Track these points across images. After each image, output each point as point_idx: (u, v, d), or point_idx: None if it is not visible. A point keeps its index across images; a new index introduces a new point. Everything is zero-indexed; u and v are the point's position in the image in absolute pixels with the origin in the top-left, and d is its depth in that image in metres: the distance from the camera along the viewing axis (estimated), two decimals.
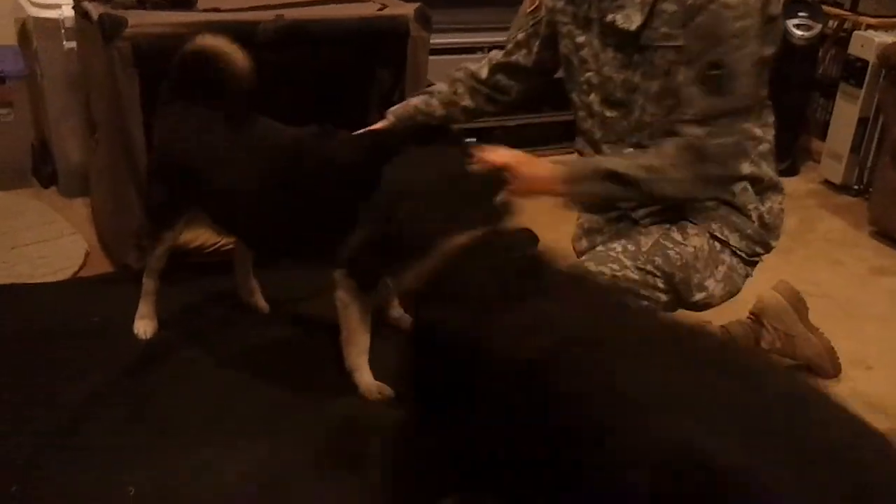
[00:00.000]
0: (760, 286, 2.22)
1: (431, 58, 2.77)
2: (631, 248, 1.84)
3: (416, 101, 2.18)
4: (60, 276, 2.53)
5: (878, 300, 2.82)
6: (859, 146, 3.52)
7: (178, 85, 2.12)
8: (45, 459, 1.79)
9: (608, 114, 1.91)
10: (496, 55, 2.13)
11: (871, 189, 3.43)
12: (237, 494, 1.74)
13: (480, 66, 2.13)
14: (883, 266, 3.06)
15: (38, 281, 2.49)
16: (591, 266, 1.81)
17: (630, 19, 1.79)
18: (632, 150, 1.85)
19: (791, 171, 3.65)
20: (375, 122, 2.97)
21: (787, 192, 2.01)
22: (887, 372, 2.41)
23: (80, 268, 2.60)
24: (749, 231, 1.91)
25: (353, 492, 1.77)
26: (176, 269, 2.52)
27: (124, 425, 1.92)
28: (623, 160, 1.79)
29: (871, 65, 3.38)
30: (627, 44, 1.82)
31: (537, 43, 2.04)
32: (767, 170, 1.94)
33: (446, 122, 2.16)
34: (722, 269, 1.88)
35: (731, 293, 1.96)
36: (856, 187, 3.56)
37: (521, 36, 2.07)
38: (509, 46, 2.10)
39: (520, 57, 2.08)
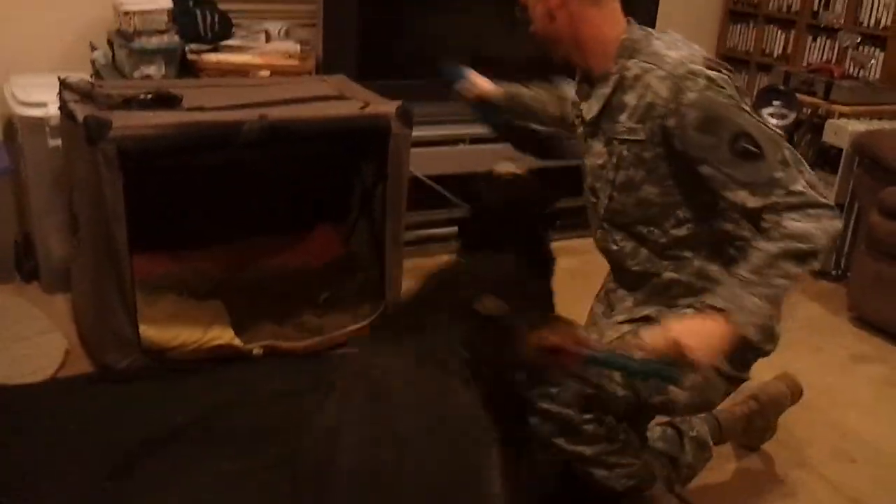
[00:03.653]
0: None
1: (412, 150, 2.81)
2: (594, 337, 1.80)
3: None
4: (40, 376, 2.50)
5: (859, 388, 2.84)
6: None
7: None
8: None
9: (591, 199, 1.95)
10: None
11: (849, 275, 3.48)
12: None
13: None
14: (863, 353, 3.08)
15: (17, 382, 2.46)
16: None
17: (591, 109, 1.87)
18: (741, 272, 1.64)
19: None
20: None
21: None
22: (871, 468, 2.41)
23: (60, 366, 2.57)
24: None
25: None
26: (155, 368, 2.53)
27: None
28: (756, 281, 1.61)
29: (845, 152, 3.46)
30: (593, 133, 1.89)
31: None
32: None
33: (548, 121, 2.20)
34: (692, 377, 1.74)
35: (701, 406, 1.92)
36: (834, 273, 3.60)
37: None
38: None
39: None
